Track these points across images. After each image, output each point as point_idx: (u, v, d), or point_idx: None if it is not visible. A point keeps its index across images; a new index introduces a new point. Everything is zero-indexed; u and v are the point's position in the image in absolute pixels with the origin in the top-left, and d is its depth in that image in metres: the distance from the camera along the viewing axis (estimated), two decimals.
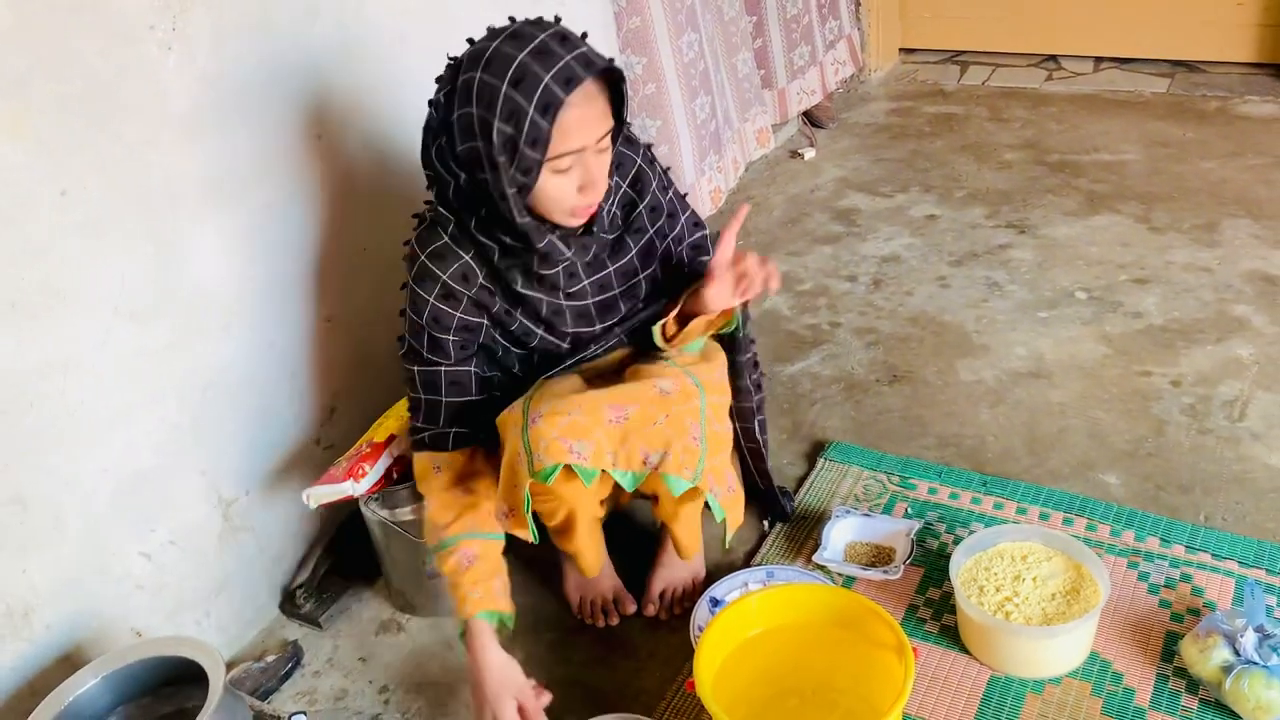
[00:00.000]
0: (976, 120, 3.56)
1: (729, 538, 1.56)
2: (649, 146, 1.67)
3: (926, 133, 3.52)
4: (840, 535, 1.88)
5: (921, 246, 2.84)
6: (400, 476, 1.78)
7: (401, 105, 1.95)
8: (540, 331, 1.61)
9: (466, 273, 1.53)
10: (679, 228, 1.69)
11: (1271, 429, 2.04)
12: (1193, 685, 1.56)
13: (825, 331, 2.53)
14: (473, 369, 1.62)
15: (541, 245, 1.48)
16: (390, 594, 1.92)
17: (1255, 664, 1.49)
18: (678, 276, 1.68)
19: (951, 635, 1.69)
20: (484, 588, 1.58)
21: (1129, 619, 1.67)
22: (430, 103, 1.49)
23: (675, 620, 1.79)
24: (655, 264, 1.66)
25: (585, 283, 1.59)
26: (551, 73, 1.35)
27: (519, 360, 1.67)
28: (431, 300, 1.53)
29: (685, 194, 1.81)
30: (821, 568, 1.83)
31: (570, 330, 1.62)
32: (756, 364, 1.81)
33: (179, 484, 1.71)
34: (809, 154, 3.43)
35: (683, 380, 1.55)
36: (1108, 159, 3.17)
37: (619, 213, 1.61)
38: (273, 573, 1.92)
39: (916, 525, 1.86)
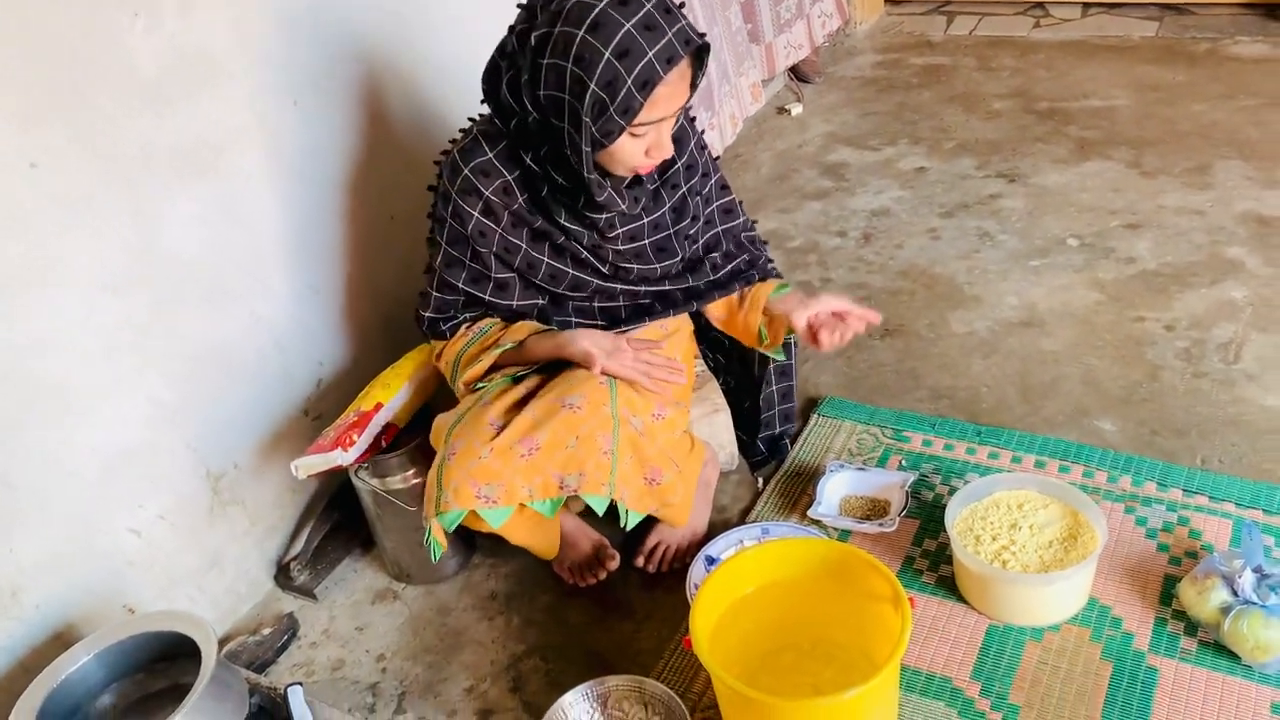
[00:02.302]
0: (964, 70, 3.52)
1: (630, 522, 1.58)
2: (690, 107, 1.68)
3: (914, 84, 3.48)
4: (835, 489, 1.87)
5: (911, 199, 2.81)
6: (390, 444, 1.76)
7: (377, 68, 1.91)
8: (571, 270, 1.64)
9: (508, 188, 1.56)
10: (709, 187, 1.74)
11: (1266, 370, 2.03)
12: (1191, 627, 1.55)
13: (817, 288, 2.50)
14: (516, 279, 1.66)
15: (602, 198, 1.52)
16: (385, 563, 1.91)
17: (1253, 604, 1.48)
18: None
19: (948, 586, 1.69)
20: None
21: (1127, 564, 1.67)
22: (513, 31, 1.48)
23: (671, 579, 1.78)
24: (687, 221, 1.68)
25: (620, 230, 1.61)
26: (655, 49, 1.38)
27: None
28: (476, 215, 1.57)
29: (717, 157, 1.82)
30: (817, 523, 1.82)
31: (597, 278, 1.66)
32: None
33: (166, 459, 1.69)
34: (796, 110, 3.39)
35: (594, 382, 1.57)
36: (1097, 105, 3.13)
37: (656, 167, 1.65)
38: (265, 546, 1.90)
39: (911, 477, 1.85)
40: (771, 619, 1.54)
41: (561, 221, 1.58)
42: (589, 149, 1.45)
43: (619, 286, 1.68)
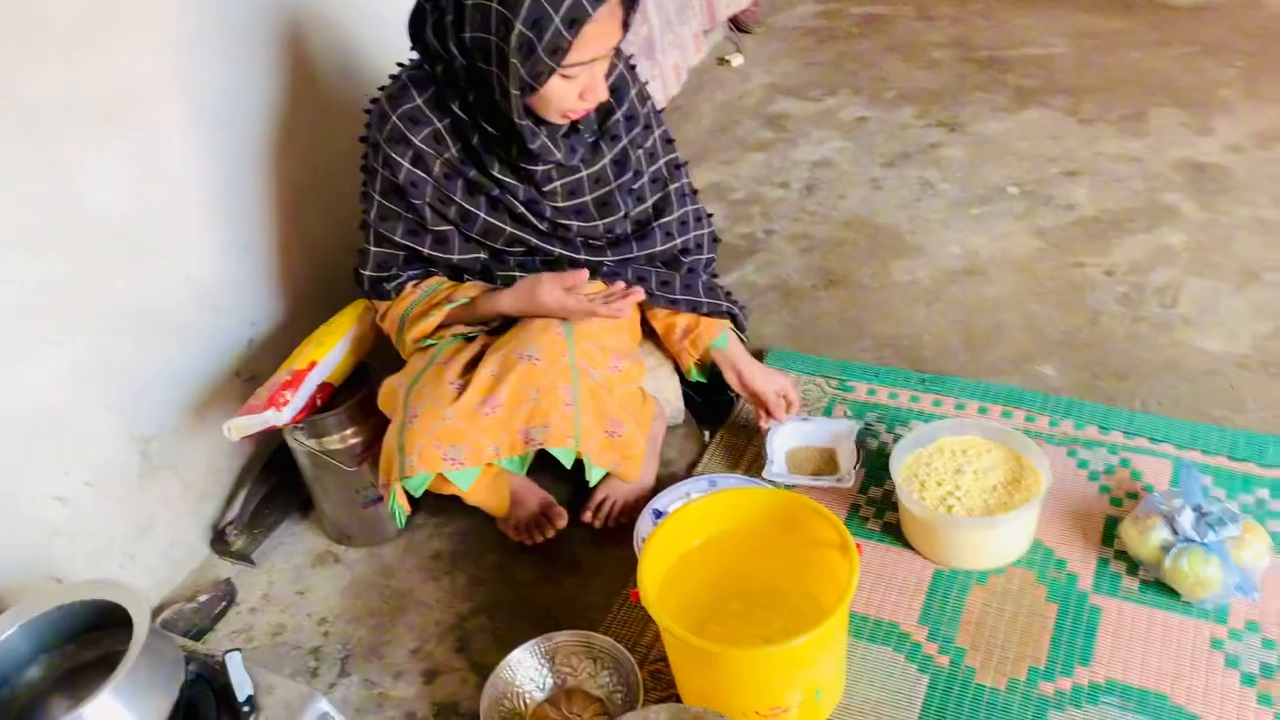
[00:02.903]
0: (903, 20, 3.50)
1: (594, 476, 1.57)
2: (630, 56, 1.68)
3: (854, 34, 3.46)
4: (782, 443, 1.85)
5: (853, 149, 2.80)
6: (326, 403, 1.71)
7: (303, 14, 1.84)
8: (508, 227, 1.60)
9: (439, 136, 1.52)
10: (652, 141, 1.70)
11: (1203, 314, 2.05)
12: (1133, 567, 1.57)
13: (760, 240, 2.49)
14: (454, 231, 1.61)
15: (535, 145, 1.48)
16: (324, 525, 1.87)
17: (1193, 541, 1.50)
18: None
19: (895, 532, 1.69)
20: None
21: (1070, 506, 1.68)
22: None
23: (618, 534, 1.76)
24: (629, 176, 1.64)
25: (557, 184, 1.57)
26: None
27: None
28: (407, 165, 1.53)
29: (660, 110, 1.77)
30: (772, 484, 1.81)
31: (535, 236, 1.61)
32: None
33: (91, 423, 1.63)
34: (736, 60, 3.35)
35: (550, 334, 1.54)
36: (1035, 53, 3.14)
37: (594, 116, 1.61)
38: (200, 511, 1.85)
39: (856, 426, 1.84)
40: (720, 570, 1.53)
41: (495, 173, 1.54)
42: (518, 92, 1.41)
43: (558, 249, 1.64)
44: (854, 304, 2.22)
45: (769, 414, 1.81)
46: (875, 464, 1.80)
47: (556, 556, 1.76)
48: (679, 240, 1.74)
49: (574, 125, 1.55)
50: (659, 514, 1.74)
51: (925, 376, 1.98)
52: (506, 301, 1.58)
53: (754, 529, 1.51)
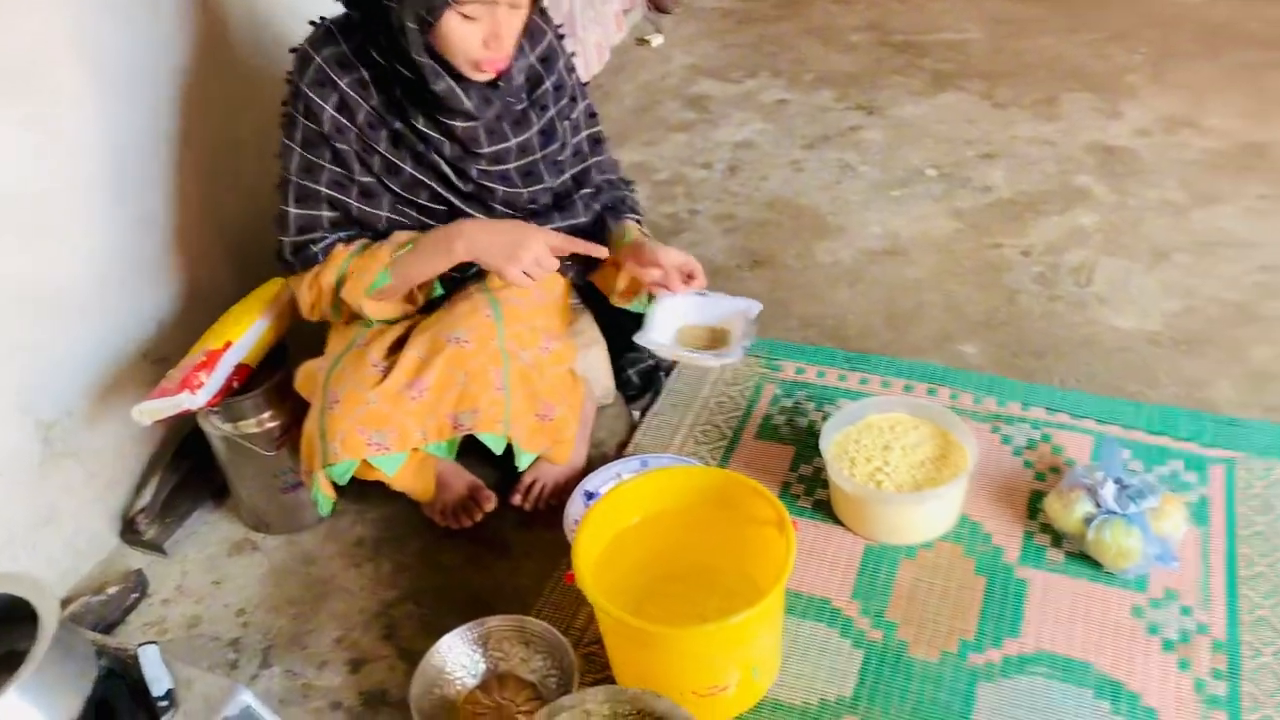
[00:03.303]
0: (820, 3, 3.52)
1: (523, 462, 1.53)
2: (560, 25, 1.64)
3: (772, 16, 3.46)
4: (669, 318, 1.67)
5: (774, 131, 2.80)
6: (243, 386, 1.64)
7: None
8: (432, 183, 1.54)
9: (364, 83, 1.46)
10: (577, 113, 1.67)
11: (1116, 292, 2.10)
12: (1058, 539, 1.60)
13: (684, 220, 2.47)
14: (380, 186, 1.53)
15: (438, 87, 1.42)
16: (241, 512, 1.80)
17: (1115, 513, 1.54)
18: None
19: (825, 509, 1.69)
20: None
21: (995, 481, 1.71)
22: None
23: (549, 516, 1.73)
24: (555, 146, 1.61)
25: (486, 148, 1.53)
26: None
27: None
28: (331, 110, 1.46)
29: (585, 84, 1.74)
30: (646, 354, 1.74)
31: (458, 197, 1.56)
32: None
33: None
34: (656, 40, 3.33)
35: (479, 317, 1.49)
36: (951, 38, 3.18)
37: (524, 84, 1.57)
38: (108, 499, 1.76)
39: (756, 306, 1.69)
40: (655, 550, 1.51)
41: (420, 127, 1.48)
42: (414, 26, 1.36)
43: (478, 215, 1.60)
44: (779, 284, 2.23)
45: (665, 285, 1.61)
46: (807, 442, 1.81)
47: (485, 540, 1.72)
48: (599, 210, 1.71)
49: (494, 84, 1.50)
50: (590, 496, 1.72)
51: (851, 355, 1.99)
52: (469, 227, 1.49)
53: (689, 508, 1.50)
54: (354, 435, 1.40)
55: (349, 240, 1.55)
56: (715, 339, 1.68)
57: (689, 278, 1.63)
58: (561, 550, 1.65)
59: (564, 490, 1.75)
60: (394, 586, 1.66)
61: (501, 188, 1.57)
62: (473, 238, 1.48)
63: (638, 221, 1.73)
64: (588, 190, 1.69)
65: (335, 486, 1.50)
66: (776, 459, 1.79)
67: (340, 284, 1.51)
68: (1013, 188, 2.46)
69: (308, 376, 1.53)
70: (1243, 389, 1.84)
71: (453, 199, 1.56)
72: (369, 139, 1.48)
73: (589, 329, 1.87)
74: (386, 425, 1.41)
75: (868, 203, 2.46)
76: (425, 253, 1.50)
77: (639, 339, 1.61)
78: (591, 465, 1.79)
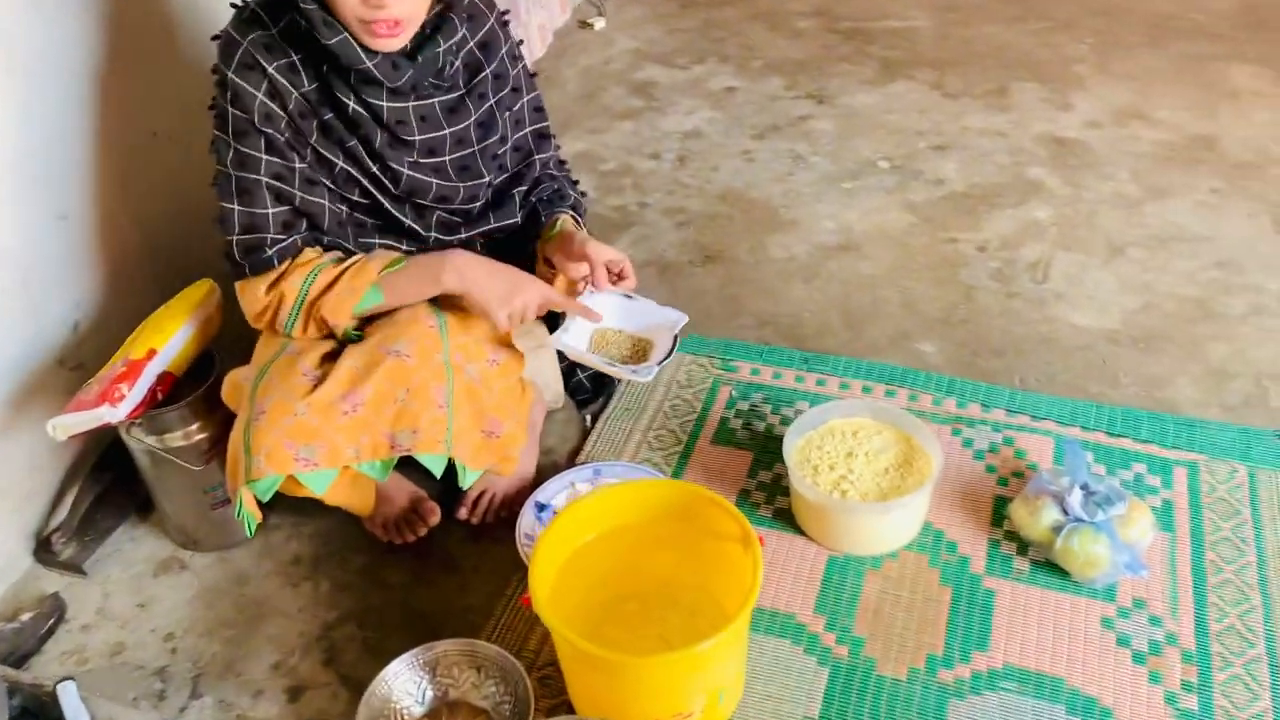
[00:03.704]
0: None
1: (467, 480, 1.44)
2: (505, 12, 1.55)
3: (717, 1, 3.38)
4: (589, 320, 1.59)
5: (723, 120, 2.73)
6: (167, 396, 1.53)
7: None
8: (363, 180, 1.44)
9: (294, 67, 1.36)
10: (520, 106, 1.58)
11: (1073, 288, 2.07)
12: (1023, 547, 1.56)
13: (634, 213, 2.39)
14: (323, 178, 1.43)
15: (330, 40, 1.31)
16: (168, 529, 1.69)
17: (1082, 521, 1.50)
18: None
19: (786, 518, 1.63)
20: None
21: (957, 487, 1.66)
22: None
23: (499, 529, 1.65)
24: (494, 140, 1.51)
25: (416, 138, 1.43)
26: None
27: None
28: (261, 96, 1.35)
29: (534, 74, 1.64)
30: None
31: (388, 199, 1.46)
32: None
33: None
34: (599, 24, 3.23)
35: (422, 327, 1.41)
36: (897, 25, 3.14)
37: (462, 71, 1.47)
38: (20, 517, 1.64)
39: (683, 320, 1.61)
40: (613, 567, 1.44)
41: (350, 114, 1.38)
42: None
43: (407, 220, 1.49)
44: (732, 280, 2.16)
45: (591, 282, 1.55)
46: (765, 447, 1.75)
47: (431, 556, 1.63)
48: (534, 204, 1.63)
49: (413, 55, 1.39)
50: (542, 507, 1.64)
51: (808, 355, 1.93)
52: (463, 260, 1.43)
53: (649, 522, 1.43)
54: (280, 449, 1.30)
55: (315, 246, 1.44)
56: (636, 350, 1.61)
57: (619, 277, 1.56)
58: (513, 565, 1.57)
59: (514, 501, 1.67)
60: (334, 607, 1.57)
61: (435, 181, 1.47)
62: (464, 272, 1.41)
63: (576, 219, 1.63)
64: (524, 187, 1.60)
65: (266, 503, 1.40)
66: (734, 465, 1.73)
67: (307, 296, 1.40)
68: (966, 180, 2.42)
69: (234, 387, 1.43)
70: (1203, 388, 1.82)
71: (382, 200, 1.46)
72: (300, 129, 1.38)
73: (537, 330, 1.78)
74: (316, 439, 1.32)
75: (820, 195, 2.41)
76: (413, 277, 1.42)
77: (553, 340, 1.54)
78: (542, 474, 1.71)
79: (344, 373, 1.34)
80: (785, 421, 1.79)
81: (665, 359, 1.54)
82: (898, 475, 1.58)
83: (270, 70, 1.34)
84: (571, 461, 1.76)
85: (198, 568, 1.65)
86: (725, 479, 1.70)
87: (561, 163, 1.70)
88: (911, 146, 2.56)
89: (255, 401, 1.34)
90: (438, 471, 1.39)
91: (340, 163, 1.41)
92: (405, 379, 1.35)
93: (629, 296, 1.60)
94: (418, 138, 1.43)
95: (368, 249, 1.48)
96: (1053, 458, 1.71)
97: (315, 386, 1.33)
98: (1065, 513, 1.52)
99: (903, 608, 1.50)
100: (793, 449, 1.61)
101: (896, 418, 1.65)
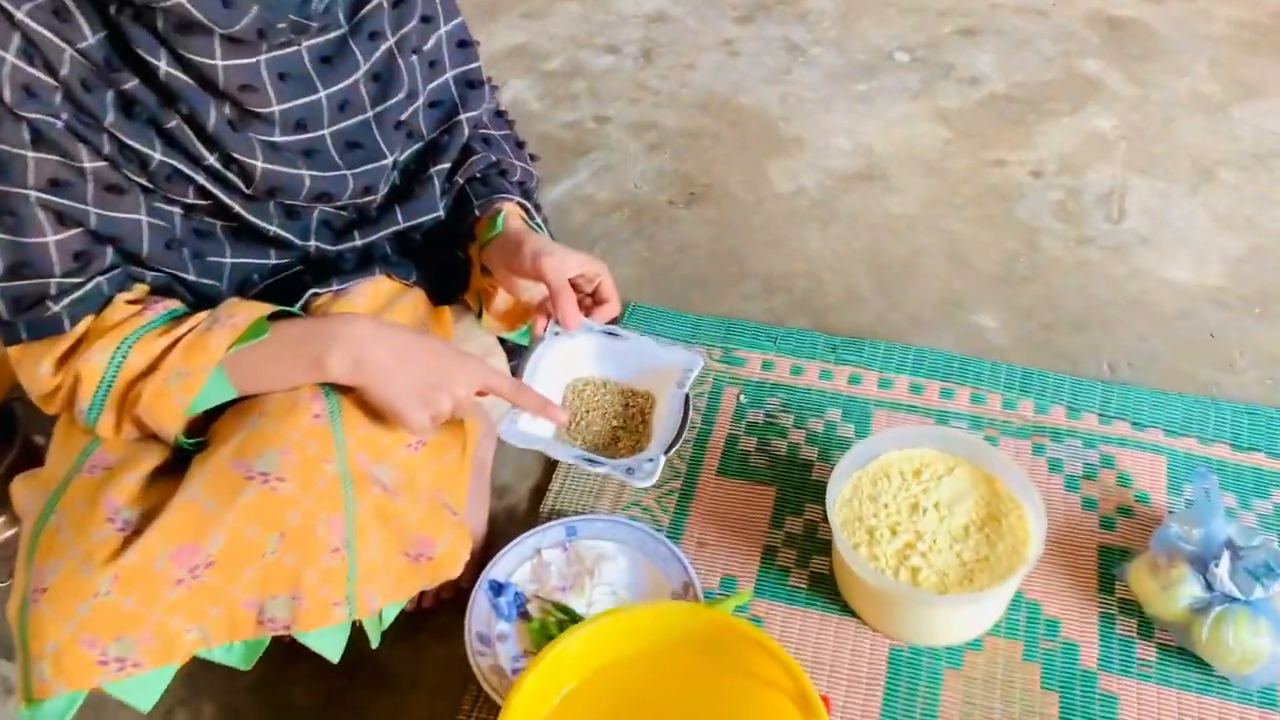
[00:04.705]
0: None
1: (376, 637, 0.99)
2: None
3: None
4: (557, 366, 1.14)
5: None
6: None
7: None
8: (198, 178, 0.93)
9: (62, 13, 0.83)
10: (436, 41, 1.05)
11: (1158, 228, 1.64)
12: (1146, 625, 1.17)
13: (591, 130, 1.88)
14: (134, 178, 0.91)
15: None
16: None
17: (1236, 600, 1.11)
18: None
19: (824, 586, 1.22)
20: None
21: (1049, 533, 1.25)
22: None
23: (443, 618, 1.22)
24: (398, 98, 1.01)
25: (275, 109, 0.92)
26: None
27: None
28: (10, 59, 0.82)
29: None
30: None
31: (238, 200, 0.96)
32: None
33: None
34: None
35: (302, 420, 0.90)
36: None
37: (342, 2, 0.95)
38: None
39: (698, 364, 1.16)
40: (607, 710, 1.02)
41: (165, 79, 0.87)
42: None
43: (273, 227, 0.99)
44: (727, 227, 1.69)
45: (552, 313, 1.06)
46: (790, 479, 1.32)
47: (351, 663, 1.19)
48: (461, 186, 1.12)
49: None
50: (499, 589, 1.21)
51: (836, 341, 1.49)
52: (360, 330, 0.92)
53: (659, 652, 1.01)
54: (74, 650, 0.83)
55: (133, 284, 0.94)
56: (628, 412, 1.13)
57: (593, 300, 1.09)
58: (463, 675, 1.15)
59: (461, 576, 1.22)
60: None
61: (308, 173, 0.96)
62: (362, 355, 0.90)
63: (525, 207, 1.13)
64: (445, 163, 1.09)
65: None
66: (752, 509, 1.30)
67: (115, 381, 0.89)
68: (1006, 78, 1.94)
69: (19, 508, 0.95)
70: None
71: (230, 202, 0.95)
72: (85, 106, 0.86)
73: (477, 331, 1.31)
74: (134, 630, 0.85)
75: (828, 102, 1.91)
76: (281, 358, 0.90)
77: (503, 433, 1.06)
78: (496, 530, 1.28)
79: (178, 516, 0.86)
80: (813, 439, 1.37)
81: (676, 441, 1.06)
82: (982, 539, 1.17)
83: (19, 17, 0.81)
84: (535, 502, 1.32)
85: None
86: (743, 534, 1.28)
87: (500, 115, 1.19)
88: (934, 31, 2.06)
89: (34, 565, 0.86)
90: (333, 655, 0.94)
91: (158, 155, 0.90)
92: (277, 520, 0.87)
93: (613, 333, 1.11)
94: (276, 108, 0.91)
95: (219, 273, 0.99)
96: (1166, 484, 1.30)
97: (129, 540, 0.86)
98: (1209, 587, 1.13)
99: None
100: (836, 502, 1.18)
101: (973, 450, 1.22)
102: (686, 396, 1.10)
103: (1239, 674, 1.11)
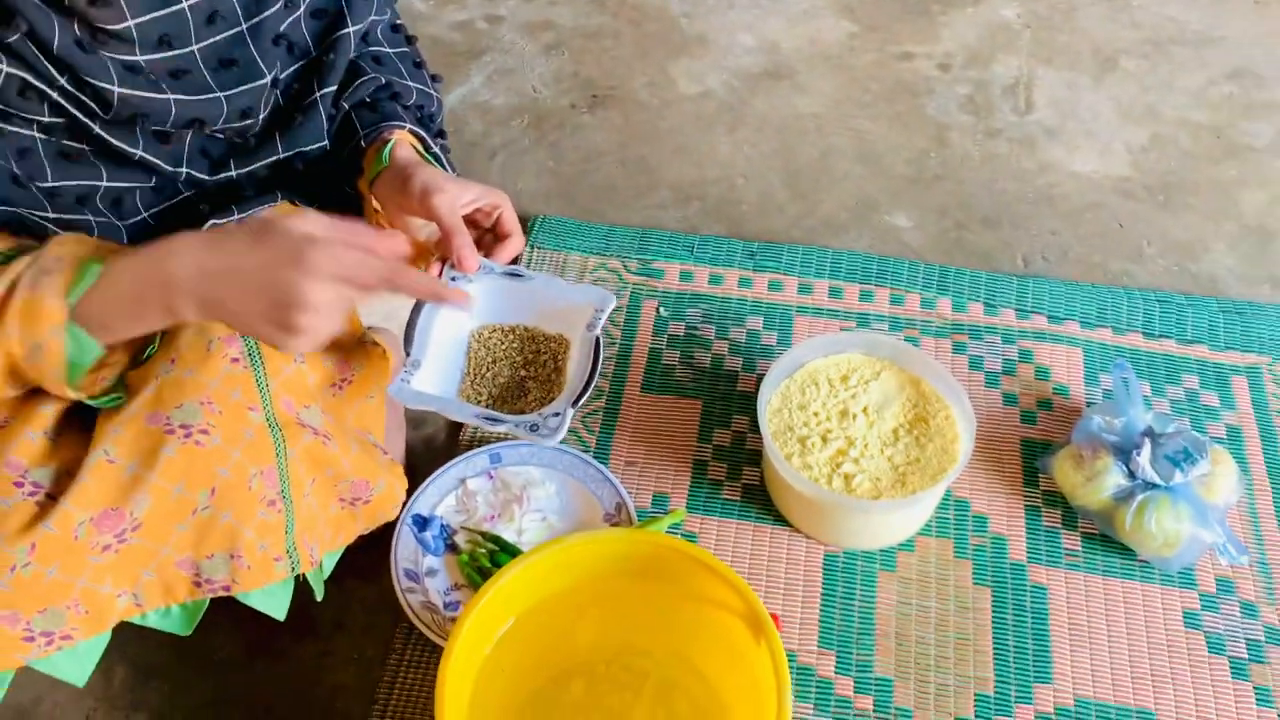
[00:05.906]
0: None
1: (320, 590, 0.95)
2: None
3: None
4: (459, 314, 0.99)
5: None
6: None
7: None
8: (47, 90, 0.81)
9: None
10: None
11: (1065, 119, 1.63)
12: (1070, 516, 1.20)
13: (483, 32, 1.78)
14: None
15: None
16: None
17: (1157, 486, 1.14)
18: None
19: (758, 498, 1.21)
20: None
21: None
22: None
23: (363, 559, 1.16)
24: (275, 8, 0.90)
25: (131, 24, 0.81)
26: None
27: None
28: None
29: None
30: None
31: (97, 124, 0.85)
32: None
33: None
34: None
35: (218, 367, 0.81)
36: None
37: None
38: None
39: (610, 302, 1.01)
40: (551, 642, 1.00)
41: None
42: None
43: (138, 151, 0.89)
44: (634, 133, 1.62)
45: (446, 257, 0.94)
46: (716, 390, 1.30)
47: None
48: (348, 110, 1.01)
49: None
50: (423, 523, 1.16)
51: (754, 247, 1.45)
52: (192, 256, 0.74)
53: (598, 581, 0.98)
54: None
55: None
56: (541, 365, 1.02)
57: (493, 235, 1.00)
58: (390, 613, 1.11)
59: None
60: (140, 707, 1.08)
61: (173, 97, 0.86)
62: (201, 293, 0.74)
63: (418, 135, 1.01)
64: (332, 85, 0.97)
65: None
66: (679, 424, 1.28)
67: None
68: None
69: None
70: (1243, 254, 1.45)
71: (90, 124, 0.85)
72: None
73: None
74: (62, 599, 0.78)
75: None
76: (133, 311, 0.76)
77: (392, 392, 0.94)
78: (415, 462, 1.22)
79: (94, 480, 0.78)
80: (736, 349, 1.34)
81: (585, 391, 0.96)
82: (912, 441, 1.16)
83: None
84: (454, 433, 1.27)
85: None
86: (671, 447, 1.25)
87: (397, 30, 1.08)
88: None
89: None
90: (278, 613, 0.89)
91: (4, 68, 0.79)
92: (206, 473, 0.80)
93: (516, 274, 1.00)
94: (131, 22, 0.80)
95: (89, 198, 0.89)
96: (1083, 376, 1.32)
97: (43, 507, 0.77)
98: (1131, 475, 1.15)
99: (932, 624, 1.12)
100: (766, 413, 1.16)
101: (897, 353, 1.21)
102: (597, 340, 0.99)
103: (1161, 557, 1.14)
